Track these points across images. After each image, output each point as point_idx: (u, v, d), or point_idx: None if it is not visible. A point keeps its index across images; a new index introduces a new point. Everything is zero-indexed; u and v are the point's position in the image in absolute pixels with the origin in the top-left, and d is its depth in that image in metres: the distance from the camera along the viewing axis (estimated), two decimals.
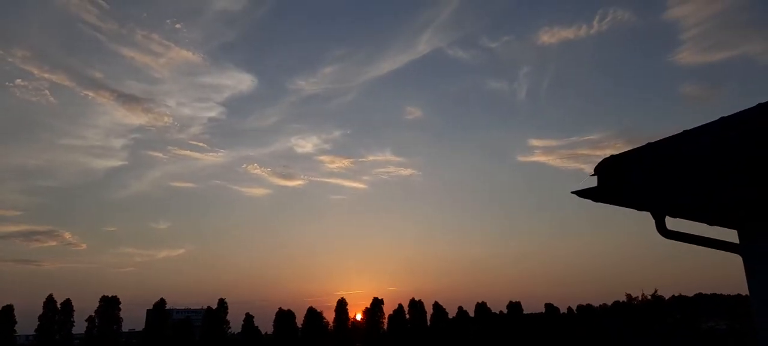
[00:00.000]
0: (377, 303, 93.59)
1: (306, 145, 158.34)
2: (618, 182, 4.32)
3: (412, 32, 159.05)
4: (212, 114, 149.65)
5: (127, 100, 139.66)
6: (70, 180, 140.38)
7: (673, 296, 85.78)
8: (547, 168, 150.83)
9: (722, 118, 3.84)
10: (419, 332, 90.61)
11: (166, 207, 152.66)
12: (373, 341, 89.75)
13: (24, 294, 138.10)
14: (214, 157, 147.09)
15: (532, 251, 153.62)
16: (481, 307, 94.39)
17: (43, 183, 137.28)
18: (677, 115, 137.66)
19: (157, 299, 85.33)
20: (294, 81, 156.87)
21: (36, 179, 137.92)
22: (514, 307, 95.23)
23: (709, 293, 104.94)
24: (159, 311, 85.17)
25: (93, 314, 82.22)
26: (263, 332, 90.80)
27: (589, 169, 4.45)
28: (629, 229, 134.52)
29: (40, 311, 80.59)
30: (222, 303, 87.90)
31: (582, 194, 4.48)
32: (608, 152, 4.11)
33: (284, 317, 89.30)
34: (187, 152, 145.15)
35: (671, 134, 4.10)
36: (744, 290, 4.75)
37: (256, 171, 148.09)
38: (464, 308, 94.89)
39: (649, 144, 4.20)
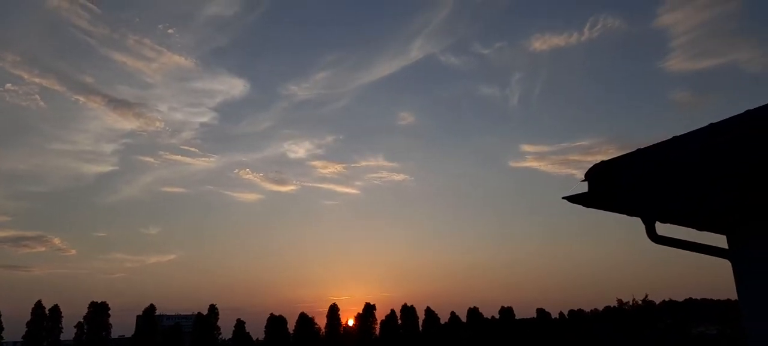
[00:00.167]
0: (369, 309, 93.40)
1: (298, 150, 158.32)
2: (608, 187, 4.34)
3: (404, 38, 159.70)
4: (204, 119, 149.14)
5: (119, 105, 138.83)
6: (60, 185, 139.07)
7: (664, 301, 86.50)
8: (538, 174, 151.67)
9: (711, 125, 3.87)
10: (411, 337, 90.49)
11: (157, 212, 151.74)
12: None
13: (12, 300, 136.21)
14: (205, 163, 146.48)
15: (523, 256, 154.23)
16: (473, 312, 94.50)
17: (33, 188, 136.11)
18: (667, 121, 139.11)
19: (148, 304, 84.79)
20: (286, 86, 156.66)
21: (25, 184, 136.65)
22: (506, 312, 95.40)
23: (699, 298, 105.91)
24: (149, 316, 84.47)
25: (82, 320, 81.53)
26: (254, 338, 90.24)
27: (580, 175, 4.46)
28: (620, 234, 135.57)
29: (29, 317, 79.83)
30: (212, 309, 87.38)
31: (573, 199, 4.49)
32: (599, 158, 4.13)
33: (276, 322, 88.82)
34: (179, 157, 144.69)
35: (661, 140, 4.13)
36: (733, 295, 4.79)
37: (248, 176, 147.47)
38: (456, 313, 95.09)
39: (639, 150, 4.22)
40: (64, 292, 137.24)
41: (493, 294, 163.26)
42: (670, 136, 4.10)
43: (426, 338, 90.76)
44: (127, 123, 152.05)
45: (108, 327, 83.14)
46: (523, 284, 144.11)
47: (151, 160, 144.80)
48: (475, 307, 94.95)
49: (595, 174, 4.37)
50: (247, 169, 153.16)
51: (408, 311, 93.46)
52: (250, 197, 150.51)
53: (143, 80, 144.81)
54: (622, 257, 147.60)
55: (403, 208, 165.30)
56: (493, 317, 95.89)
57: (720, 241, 4.90)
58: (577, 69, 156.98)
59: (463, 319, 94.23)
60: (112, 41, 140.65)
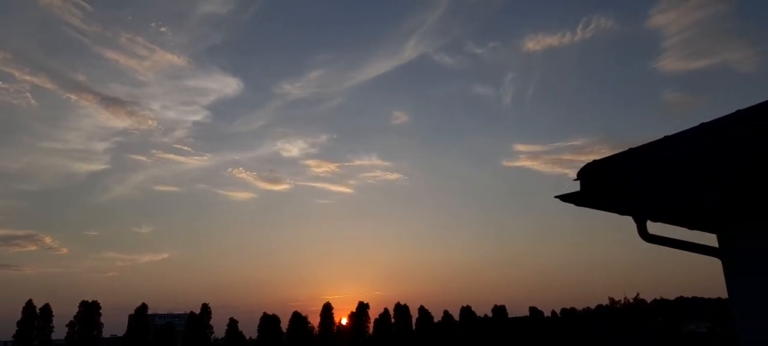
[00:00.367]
0: (363, 307, 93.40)
1: (292, 149, 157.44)
2: (601, 186, 4.36)
3: (398, 37, 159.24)
4: (197, 118, 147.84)
5: (111, 103, 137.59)
6: (52, 184, 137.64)
7: (655, 299, 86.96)
8: (531, 173, 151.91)
9: (702, 125, 3.90)
10: (405, 336, 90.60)
11: (150, 211, 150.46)
12: (358, 345, 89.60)
13: (2, 299, 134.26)
14: (198, 161, 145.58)
15: (516, 255, 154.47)
16: (467, 311, 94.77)
17: (24, 187, 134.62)
18: (659, 121, 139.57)
19: (140, 304, 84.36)
20: (280, 85, 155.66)
21: (16, 183, 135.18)
22: (499, 310, 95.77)
23: (690, 296, 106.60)
24: (141, 315, 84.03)
25: (73, 319, 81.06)
26: (248, 337, 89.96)
27: (573, 174, 4.48)
28: (612, 233, 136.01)
29: (19, 316, 79.28)
30: (205, 308, 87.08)
31: (565, 198, 4.51)
32: (591, 158, 4.15)
33: (269, 321, 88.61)
34: (172, 156, 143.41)
35: (653, 140, 4.16)
36: (724, 293, 4.82)
37: (241, 175, 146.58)
38: (450, 312, 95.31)
39: (631, 150, 4.25)
40: (55, 291, 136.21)
41: (486, 293, 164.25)
42: (661, 136, 4.13)
43: (419, 336, 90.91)
44: (120, 121, 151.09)
45: (99, 326, 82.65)
46: (516, 283, 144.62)
47: (144, 158, 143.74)
48: (468, 305, 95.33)
49: (587, 173, 4.39)
50: (241, 168, 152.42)
51: (401, 309, 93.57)
52: (244, 195, 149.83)
53: (136, 78, 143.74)
54: (614, 256, 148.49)
55: (396, 207, 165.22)
56: (486, 315, 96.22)
57: (710, 240, 4.94)
58: (570, 69, 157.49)
59: (457, 318, 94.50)
60: (104, 39, 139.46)
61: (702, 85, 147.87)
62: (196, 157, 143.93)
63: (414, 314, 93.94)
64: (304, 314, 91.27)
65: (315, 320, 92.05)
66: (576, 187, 4.43)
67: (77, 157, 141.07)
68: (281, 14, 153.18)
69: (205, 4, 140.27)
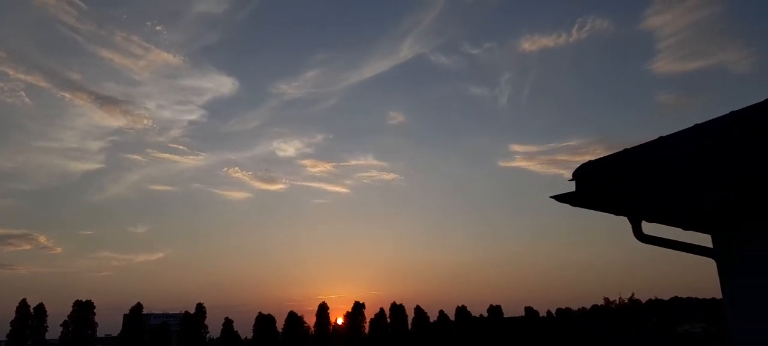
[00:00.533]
0: (358, 307, 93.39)
1: (288, 148, 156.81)
2: (596, 187, 4.37)
3: (394, 37, 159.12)
4: (193, 117, 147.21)
5: (106, 102, 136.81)
6: (46, 183, 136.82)
7: (650, 299, 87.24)
8: (527, 173, 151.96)
9: (696, 126, 3.91)
10: (400, 336, 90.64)
11: (145, 211, 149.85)
12: (354, 345, 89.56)
13: None
14: (194, 161, 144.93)
15: (512, 255, 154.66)
16: (462, 311, 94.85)
17: (18, 186, 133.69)
18: (654, 122, 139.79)
19: (135, 303, 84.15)
20: (276, 85, 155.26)
21: (10, 182, 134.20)
22: (495, 310, 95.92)
23: (684, 296, 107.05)
24: (136, 315, 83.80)
25: (67, 319, 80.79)
26: (243, 337, 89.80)
27: (568, 174, 4.49)
28: (607, 233, 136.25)
29: (13, 316, 78.96)
30: (200, 308, 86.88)
31: (561, 198, 4.52)
32: (586, 158, 4.15)
33: (264, 321, 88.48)
34: (167, 155, 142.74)
35: (648, 141, 4.17)
36: (718, 293, 4.84)
37: (237, 175, 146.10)
38: (445, 312, 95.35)
39: (626, 150, 4.26)
40: (50, 291, 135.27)
41: (482, 293, 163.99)
42: (656, 137, 4.14)
43: (415, 336, 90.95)
44: (115, 120, 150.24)
45: (93, 326, 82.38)
46: (512, 283, 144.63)
47: (139, 158, 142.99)
48: (463, 305, 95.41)
49: (582, 174, 4.40)
50: (236, 168, 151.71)
51: (397, 309, 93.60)
52: (239, 195, 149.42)
53: (131, 77, 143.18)
54: (609, 256, 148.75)
55: (392, 207, 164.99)
56: (481, 315, 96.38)
57: (705, 240, 4.96)
58: (565, 70, 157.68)
59: (452, 317, 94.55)
60: (99, 38, 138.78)
61: (697, 86, 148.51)
62: (191, 157, 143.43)
63: (410, 313, 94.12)
64: (299, 314, 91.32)
65: (310, 320, 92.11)
66: (571, 187, 4.44)
67: (72, 157, 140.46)
68: (277, 14, 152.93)
69: (200, 3, 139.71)
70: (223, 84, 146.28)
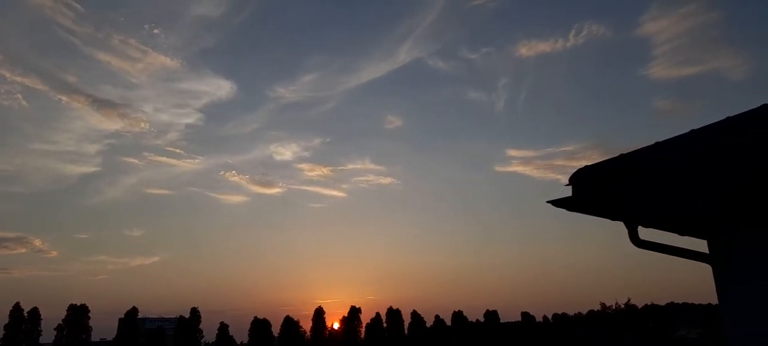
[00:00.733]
0: (355, 312, 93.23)
1: (285, 152, 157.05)
2: (592, 192, 4.37)
3: (392, 42, 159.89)
4: (190, 120, 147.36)
5: (103, 105, 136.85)
6: (42, 186, 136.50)
7: (646, 304, 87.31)
8: (524, 178, 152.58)
9: (692, 131, 3.92)
10: (397, 340, 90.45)
11: (141, 214, 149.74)
12: None
13: None
14: (191, 164, 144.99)
15: (508, 260, 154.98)
16: (458, 315, 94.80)
17: (14, 189, 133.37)
18: (650, 127, 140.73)
19: (130, 307, 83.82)
20: (274, 88, 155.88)
21: (6, 185, 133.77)
22: (491, 315, 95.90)
23: (680, 302, 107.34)
24: (131, 319, 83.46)
25: (61, 322, 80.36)
26: (238, 342, 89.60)
27: (565, 179, 4.48)
28: (603, 238, 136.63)
29: (7, 319, 78.63)
30: (194, 312, 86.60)
31: (557, 203, 4.52)
32: (583, 163, 4.15)
33: (260, 325, 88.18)
34: (164, 159, 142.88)
35: (644, 146, 4.17)
36: (714, 299, 4.84)
37: (234, 178, 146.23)
38: (441, 317, 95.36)
39: (622, 155, 4.26)
40: (45, 294, 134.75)
41: (479, 298, 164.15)
42: (652, 142, 4.14)
43: (411, 341, 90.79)
44: (111, 123, 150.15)
45: (88, 330, 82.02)
46: (509, 288, 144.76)
47: (136, 161, 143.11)
48: (460, 310, 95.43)
49: (579, 179, 4.40)
50: (233, 171, 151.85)
51: (393, 314, 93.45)
52: (236, 199, 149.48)
53: (128, 80, 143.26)
54: (606, 261, 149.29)
55: (389, 211, 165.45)
56: (478, 320, 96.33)
57: (701, 246, 4.96)
58: (562, 75, 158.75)
59: (449, 322, 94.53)
60: (96, 40, 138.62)
61: (692, 92, 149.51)
62: (188, 160, 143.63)
63: (406, 318, 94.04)
64: (295, 319, 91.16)
65: (307, 325, 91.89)
66: (568, 192, 4.44)
67: (68, 160, 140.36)
68: (274, 17, 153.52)
69: (198, 6, 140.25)
70: (220, 87, 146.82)
